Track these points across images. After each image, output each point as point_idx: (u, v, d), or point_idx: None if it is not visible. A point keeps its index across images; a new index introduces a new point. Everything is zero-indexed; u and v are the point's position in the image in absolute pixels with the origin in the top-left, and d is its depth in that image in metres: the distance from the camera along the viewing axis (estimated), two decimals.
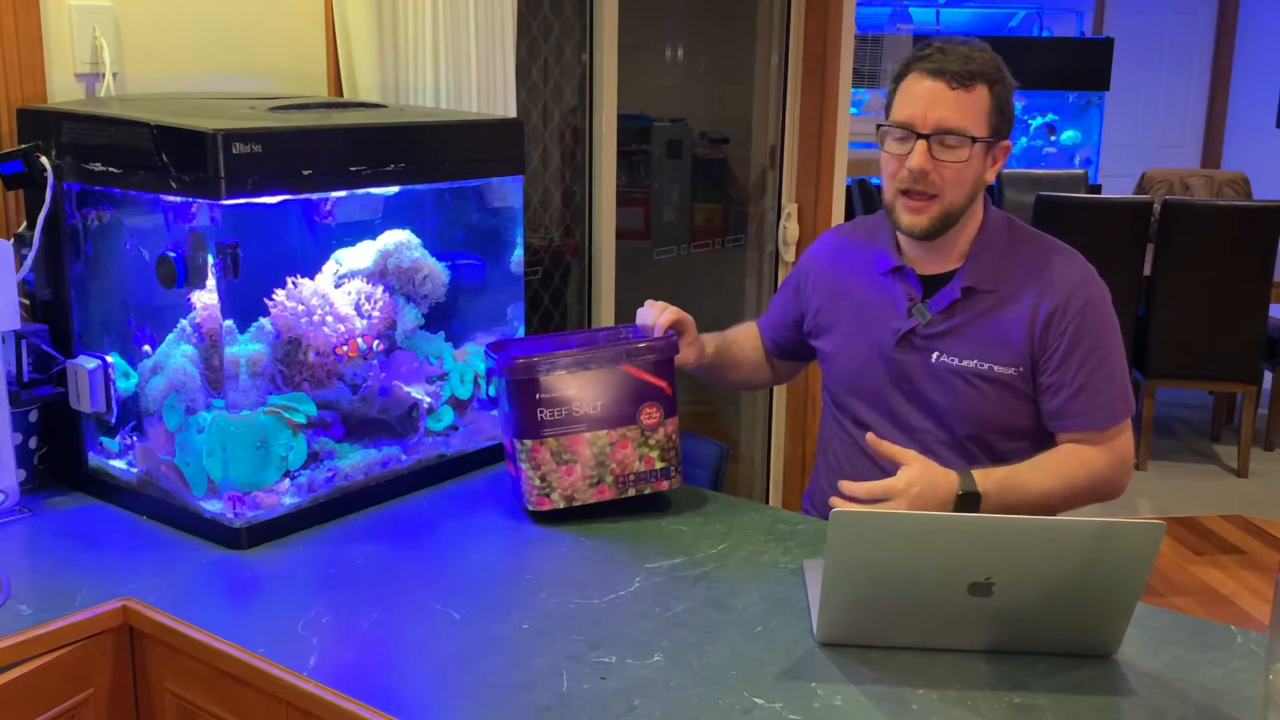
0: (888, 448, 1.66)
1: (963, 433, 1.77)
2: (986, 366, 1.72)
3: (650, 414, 1.71)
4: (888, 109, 1.74)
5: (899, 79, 1.72)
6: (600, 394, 1.69)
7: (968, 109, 1.66)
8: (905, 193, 1.71)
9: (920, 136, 1.67)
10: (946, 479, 1.63)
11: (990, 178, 1.72)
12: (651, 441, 1.72)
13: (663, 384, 1.72)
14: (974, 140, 1.66)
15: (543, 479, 1.70)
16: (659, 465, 1.73)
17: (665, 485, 1.75)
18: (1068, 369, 1.70)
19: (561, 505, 1.70)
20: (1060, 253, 1.76)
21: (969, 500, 1.62)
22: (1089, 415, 1.71)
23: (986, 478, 1.64)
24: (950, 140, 1.66)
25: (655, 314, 1.79)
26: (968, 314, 1.74)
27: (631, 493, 1.73)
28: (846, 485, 1.64)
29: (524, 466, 1.70)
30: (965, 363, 1.73)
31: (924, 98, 1.67)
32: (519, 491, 1.73)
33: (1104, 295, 1.74)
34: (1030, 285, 1.72)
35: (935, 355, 1.75)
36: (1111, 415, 1.72)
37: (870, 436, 1.69)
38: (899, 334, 1.77)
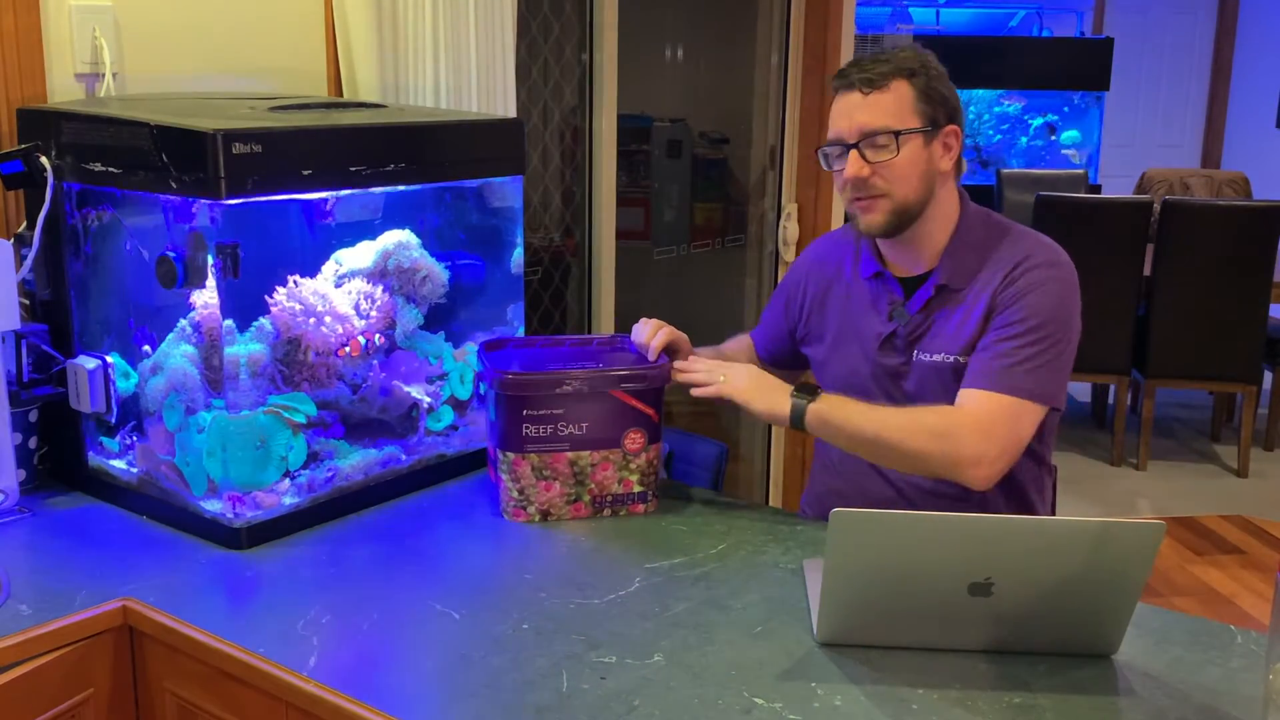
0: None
1: None
2: (963, 360, 1.71)
3: (634, 439, 1.72)
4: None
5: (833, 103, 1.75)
6: (588, 415, 1.69)
7: (886, 107, 1.68)
8: (857, 199, 1.73)
9: (850, 147, 1.70)
10: (778, 385, 1.71)
11: (945, 166, 1.71)
12: (632, 466, 1.73)
13: (650, 411, 1.72)
14: (898, 134, 1.67)
15: (521, 492, 1.70)
16: (637, 489, 1.74)
17: (641, 509, 1.75)
18: (990, 335, 1.68)
19: (536, 519, 1.71)
20: (1032, 244, 1.74)
21: (803, 391, 1.69)
22: (982, 377, 1.65)
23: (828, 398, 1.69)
24: (880, 140, 1.68)
25: (649, 334, 1.78)
26: (941, 310, 1.74)
27: (607, 513, 1.74)
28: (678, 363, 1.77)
29: (504, 477, 1.70)
30: (938, 357, 1.73)
31: (844, 111, 1.71)
32: (497, 499, 1.74)
33: (1062, 279, 1.69)
34: (997, 275, 1.71)
35: (916, 354, 1.76)
36: (1008, 384, 1.63)
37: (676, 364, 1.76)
38: (881, 338, 1.78)
